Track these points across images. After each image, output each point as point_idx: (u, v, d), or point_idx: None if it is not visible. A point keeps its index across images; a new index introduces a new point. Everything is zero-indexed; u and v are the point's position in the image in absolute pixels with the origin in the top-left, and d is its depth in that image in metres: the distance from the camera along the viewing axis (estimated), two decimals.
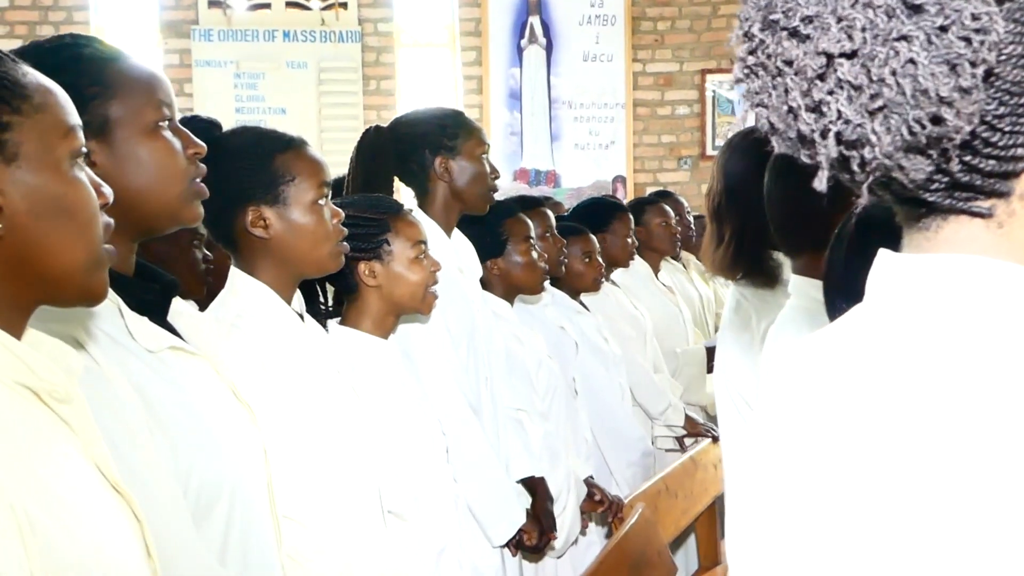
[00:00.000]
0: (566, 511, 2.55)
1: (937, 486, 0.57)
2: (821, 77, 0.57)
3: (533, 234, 2.69)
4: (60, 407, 0.88)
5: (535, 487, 2.44)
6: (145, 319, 1.21)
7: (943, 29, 0.56)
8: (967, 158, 0.60)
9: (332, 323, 1.95)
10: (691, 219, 4.49)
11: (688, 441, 3.53)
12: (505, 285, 2.65)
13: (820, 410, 0.64)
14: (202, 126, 1.54)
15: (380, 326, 1.99)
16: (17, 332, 0.88)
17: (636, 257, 3.68)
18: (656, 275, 3.97)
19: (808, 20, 0.57)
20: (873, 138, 0.58)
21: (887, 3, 0.56)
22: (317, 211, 1.61)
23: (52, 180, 0.88)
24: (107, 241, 0.94)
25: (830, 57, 0.57)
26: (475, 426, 2.25)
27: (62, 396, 0.88)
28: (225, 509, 1.22)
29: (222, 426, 1.25)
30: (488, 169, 2.39)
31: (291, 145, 1.63)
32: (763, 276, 1.96)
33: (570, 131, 6.82)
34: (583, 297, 3.25)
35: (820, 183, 0.60)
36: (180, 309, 1.32)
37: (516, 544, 2.34)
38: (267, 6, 6.64)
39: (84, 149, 0.93)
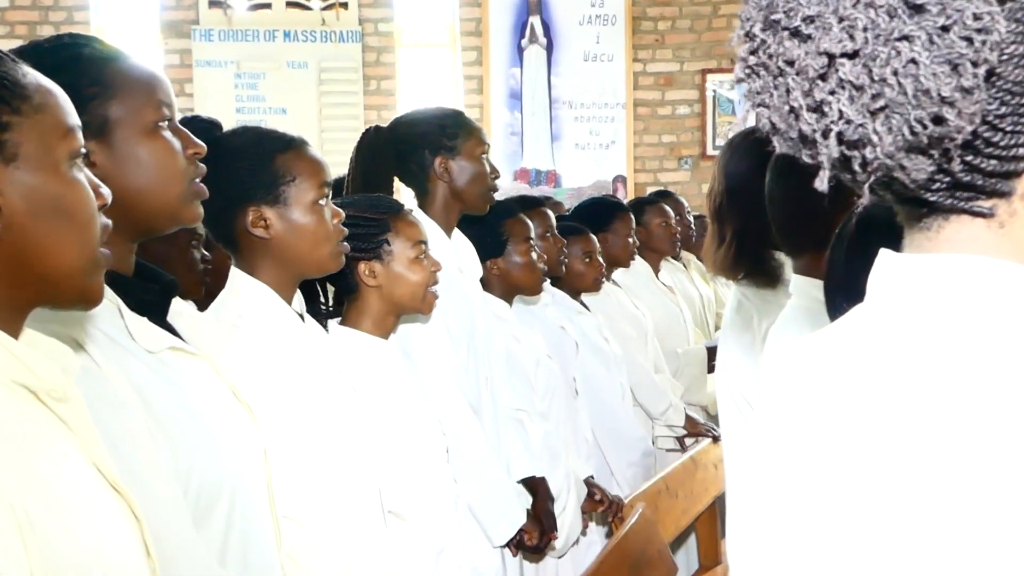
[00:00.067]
0: (566, 511, 2.55)
1: (938, 486, 0.57)
2: (823, 77, 0.57)
3: (533, 234, 2.69)
4: (58, 406, 0.88)
5: (536, 487, 2.44)
6: (145, 319, 1.21)
7: (945, 29, 0.56)
8: (968, 158, 0.60)
9: (332, 323, 1.95)
10: (691, 219, 4.50)
11: (689, 441, 3.53)
12: (504, 285, 2.65)
13: (821, 410, 0.63)
14: (202, 126, 1.54)
15: (380, 326, 1.99)
16: (14, 332, 0.88)
17: (636, 257, 3.68)
18: (656, 275, 3.97)
19: (809, 20, 0.57)
20: (875, 138, 0.58)
21: (889, 3, 0.56)
22: (318, 211, 1.61)
23: (51, 180, 0.88)
24: (105, 241, 0.94)
25: (832, 57, 0.57)
26: (475, 426, 2.25)
27: (60, 395, 0.88)
28: (225, 509, 1.22)
29: (222, 426, 1.25)
30: (488, 169, 2.39)
31: (292, 145, 1.63)
32: (765, 276, 1.96)
33: (570, 131, 6.82)
34: (584, 297, 3.25)
35: (821, 183, 0.60)
36: (180, 309, 1.32)
37: (517, 544, 2.34)
38: (267, 6, 6.64)
39: (83, 150, 0.93)
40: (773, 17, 0.59)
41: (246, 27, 6.61)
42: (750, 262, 1.98)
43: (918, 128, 0.57)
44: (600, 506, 2.78)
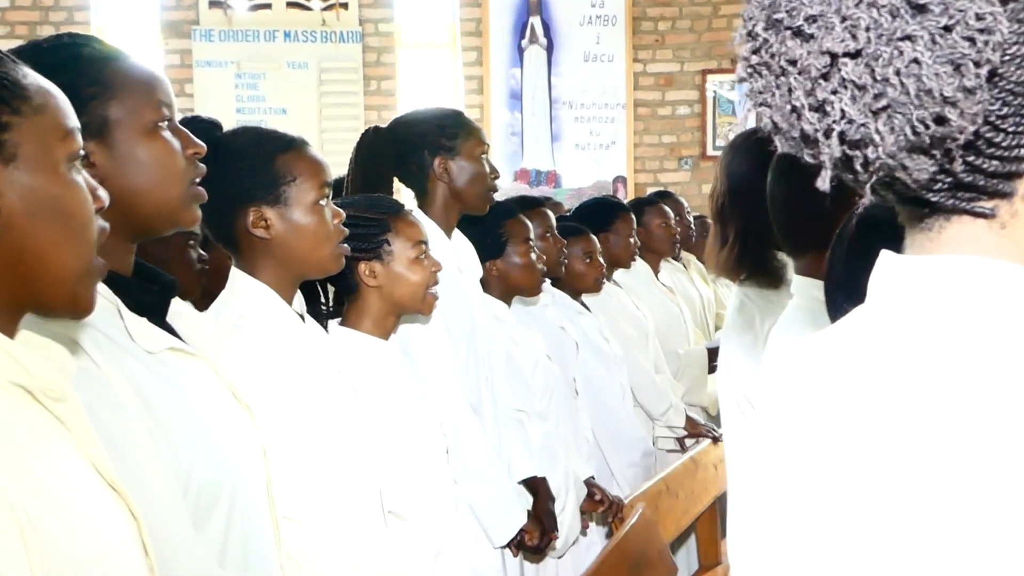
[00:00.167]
0: (565, 511, 2.55)
1: (939, 487, 0.57)
2: (825, 76, 0.57)
3: (533, 235, 2.69)
4: (55, 406, 0.88)
5: (536, 487, 2.44)
6: (144, 320, 1.21)
7: (947, 29, 0.55)
8: (970, 158, 0.60)
9: (332, 324, 1.95)
10: (691, 219, 4.50)
11: (689, 442, 3.53)
12: (503, 286, 2.65)
13: (823, 411, 0.63)
14: (203, 126, 1.54)
15: (380, 326, 1.98)
16: (10, 332, 0.88)
17: (637, 258, 3.68)
18: (656, 276, 3.97)
19: (812, 19, 0.57)
20: (876, 138, 0.58)
21: (891, 3, 0.56)
22: (318, 211, 1.61)
23: (49, 181, 0.88)
24: (102, 245, 0.94)
25: (834, 56, 0.57)
26: (476, 427, 2.25)
27: (57, 395, 0.88)
28: (225, 510, 1.22)
29: (221, 427, 1.25)
30: (488, 169, 2.39)
31: (292, 145, 1.63)
32: (767, 276, 1.96)
33: (571, 131, 6.82)
34: (585, 297, 3.25)
35: (823, 183, 0.60)
36: (179, 310, 1.32)
37: (517, 544, 2.34)
38: (268, 6, 6.64)
39: (82, 152, 0.93)
40: (775, 16, 0.59)
41: (246, 27, 6.61)
42: (752, 262, 1.98)
43: (920, 128, 0.57)
44: (600, 506, 2.78)
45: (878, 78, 0.56)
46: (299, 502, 1.52)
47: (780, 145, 0.62)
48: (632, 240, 3.56)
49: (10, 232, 0.86)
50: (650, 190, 5.85)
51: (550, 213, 3.02)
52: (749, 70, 0.61)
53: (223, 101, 6.42)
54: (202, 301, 1.64)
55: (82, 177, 0.92)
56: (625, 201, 4.62)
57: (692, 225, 4.48)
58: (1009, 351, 0.60)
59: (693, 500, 3.23)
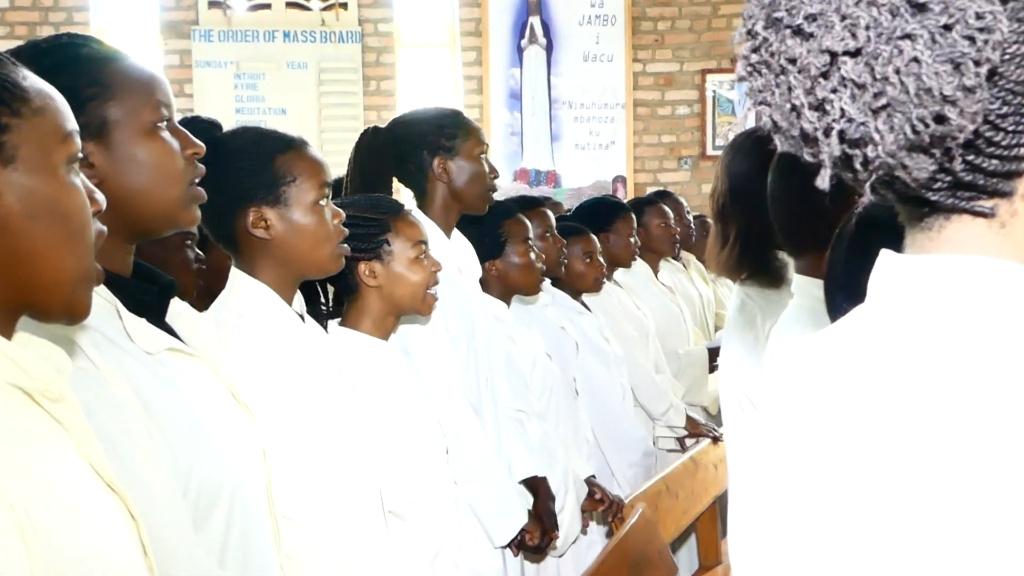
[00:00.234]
0: (565, 511, 2.55)
1: (940, 487, 0.57)
2: (824, 75, 0.57)
3: (532, 235, 2.69)
4: (53, 407, 0.88)
5: (536, 487, 2.44)
6: (143, 320, 1.21)
7: (947, 28, 0.55)
8: (970, 157, 0.60)
9: (332, 324, 1.95)
10: (691, 219, 4.50)
11: (689, 442, 3.53)
12: (502, 286, 2.65)
13: (823, 410, 0.63)
14: (203, 127, 1.54)
15: (380, 327, 1.98)
16: (7, 334, 0.88)
17: (636, 257, 3.69)
18: (655, 275, 3.97)
19: (812, 18, 0.57)
20: (876, 137, 0.58)
21: (891, 1, 0.56)
22: (318, 212, 1.61)
23: (48, 183, 0.88)
24: (100, 247, 0.94)
25: (834, 55, 0.57)
26: (477, 427, 2.25)
27: (55, 395, 0.88)
28: (224, 510, 1.22)
29: (221, 427, 1.25)
30: (487, 169, 2.39)
31: (292, 145, 1.63)
32: (768, 276, 1.97)
33: (570, 131, 6.82)
34: (586, 297, 3.25)
35: (823, 182, 0.60)
36: (179, 310, 1.32)
37: (518, 544, 2.34)
38: (267, 6, 6.64)
39: (80, 154, 0.93)
40: (775, 15, 0.59)
41: (246, 27, 6.61)
42: (754, 262, 1.98)
43: (920, 127, 0.57)
44: (600, 505, 2.78)
45: (878, 77, 0.56)
46: (299, 502, 1.52)
47: (780, 144, 0.62)
48: (632, 240, 3.56)
49: (8, 233, 0.86)
50: (650, 190, 5.85)
51: (550, 213, 3.02)
52: (749, 69, 0.61)
53: (222, 101, 6.42)
54: (202, 301, 1.64)
55: (80, 180, 0.92)
56: (625, 201, 4.62)
57: (692, 225, 4.48)
58: (1009, 351, 0.60)
59: (693, 500, 3.23)
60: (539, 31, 6.79)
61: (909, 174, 0.60)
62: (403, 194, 2.50)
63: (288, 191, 1.59)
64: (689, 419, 3.49)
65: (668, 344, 3.71)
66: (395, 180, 2.44)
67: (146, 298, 1.25)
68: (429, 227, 2.16)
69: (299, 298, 1.70)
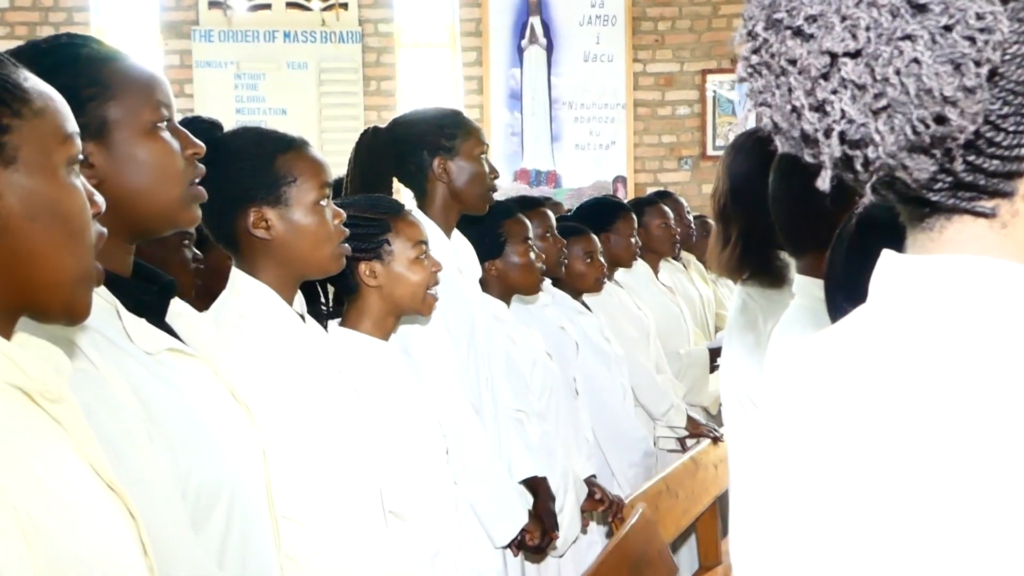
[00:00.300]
0: (564, 511, 2.55)
1: (941, 486, 0.57)
2: (825, 76, 0.57)
3: (531, 235, 2.69)
4: (52, 407, 0.88)
5: (536, 487, 2.44)
6: (143, 320, 1.21)
7: (947, 28, 0.55)
8: (971, 158, 0.60)
9: (332, 324, 1.95)
10: (691, 219, 4.50)
11: (690, 442, 3.53)
12: (502, 286, 2.65)
13: (825, 410, 0.63)
14: (203, 127, 1.54)
15: (380, 327, 1.98)
16: (6, 334, 0.88)
17: (637, 257, 3.69)
18: (655, 275, 3.97)
19: (812, 19, 0.57)
20: (877, 138, 0.58)
21: (891, 2, 0.56)
22: (319, 212, 1.61)
23: (49, 185, 0.88)
24: (100, 248, 0.94)
25: (834, 56, 0.57)
26: (477, 427, 2.25)
27: (54, 396, 0.88)
28: (224, 511, 1.22)
29: (221, 428, 1.25)
30: (487, 169, 2.39)
31: (293, 146, 1.63)
32: (770, 276, 1.96)
33: (570, 131, 6.82)
34: (586, 297, 3.25)
35: (823, 183, 0.60)
36: (179, 310, 1.32)
37: (518, 544, 2.34)
38: (267, 7, 6.64)
39: (80, 156, 0.93)
40: (775, 16, 0.59)
41: (246, 28, 6.61)
42: (755, 262, 1.98)
43: (920, 128, 0.57)
44: (600, 505, 2.78)
45: (878, 78, 0.56)
46: (299, 502, 1.52)
47: (780, 145, 0.62)
48: (633, 240, 3.56)
49: (8, 234, 0.86)
50: (650, 190, 5.86)
51: (550, 213, 3.02)
52: (749, 70, 0.61)
53: (223, 102, 6.42)
54: (202, 301, 1.64)
55: (80, 182, 0.92)
56: (625, 201, 4.62)
57: (692, 225, 4.48)
58: (1011, 350, 0.60)
59: (693, 500, 3.23)
60: (539, 31, 6.79)
61: (910, 175, 0.60)
62: (403, 194, 2.50)
63: (289, 191, 1.59)
64: (690, 419, 3.49)
65: (668, 344, 3.71)
66: (395, 180, 2.44)
67: (146, 298, 1.25)
68: (429, 227, 2.16)
69: (299, 298, 1.70)
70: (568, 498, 2.59)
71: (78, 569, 0.81)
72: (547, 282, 2.97)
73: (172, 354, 1.23)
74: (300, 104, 6.55)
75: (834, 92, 0.57)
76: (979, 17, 0.55)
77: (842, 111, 0.57)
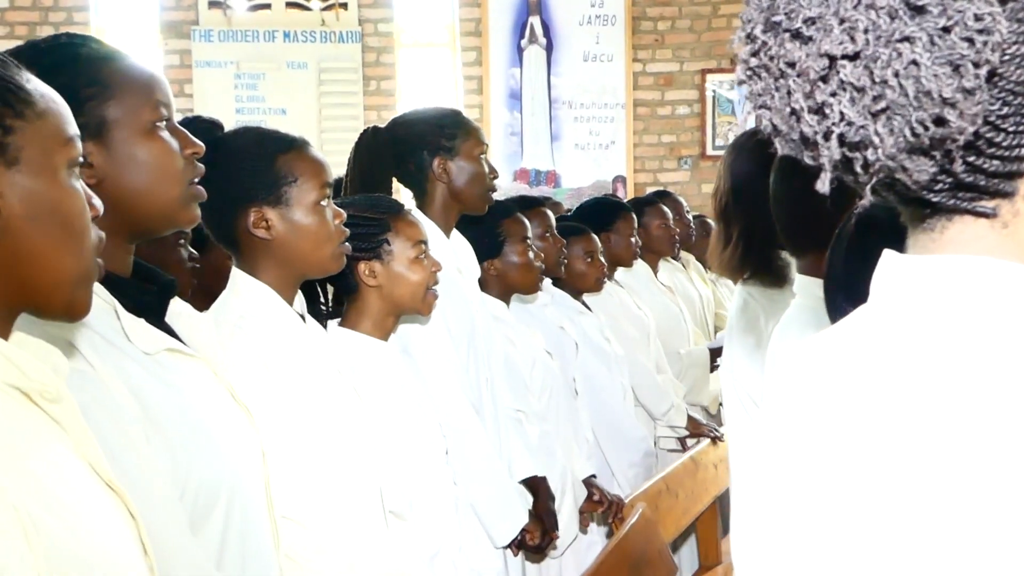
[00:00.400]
0: (562, 512, 2.55)
1: (942, 486, 0.57)
2: (824, 79, 0.57)
3: (531, 234, 2.69)
4: (51, 407, 0.89)
5: (536, 487, 2.44)
6: (142, 321, 1.21)
7: (946, 30, 0.55)
8: (971, 159, 0.60)
9: (331, 324, 1.95)
10: (690, 219, 4.50)
11: (690, 442, 3.53)
12: (501, 286, 2.65)
13: (826, 410, 0.63)
14: (204, 127, 1.54)
15: (380, 327, 1.98)
16: (4, 334, 0.89)
17: (637, 257, 3.69)
18: (655, 275, 3.97)
19: (810, 22, 0.57)
20: (876, 140, 0.58)
21: (889, 4, 0.56)
22: (319, 212, 1.61)
23: (50, 186, 0.88)
24: (100, 251, 0.95)
25: (832, 59, 0.57)
26: (478, 427, 2.25)
27: (52, 396, 0.88)
28: (223, 511, 1.22)
29: (220, 428, 1.25)
30: (487, 169, 2.39)
31: (293, 146, 1.63)
32: (771, 276, 1.96)
33: (570, 131, 6.82)
34: (587, 297, 3.25)
35: (823, 185, 0.60)
36: (179, 310, 1.32)
37: (519, 544, 2.34)
38: (267, 7, 6.64)
39: (81, 158, 0.93)
40: (774, 19, 0.59)
41: (246, 27, 6.61)
42: (756, 262, 1.98)
43: (920, 129, 0.57)
44: (599, 506, 2.78)
45: (877, 80, 0.56)
46: (299, 502, 1.52)
47: (780, 147, 0.62)
48: (634, 240, 3.56)
49: (9, 234, 0.86)
50: (649, 190, 5.85)
51: (549, 213, 3.02)
52: (748, 72, 0.61)
53: (223, 101, 6.42)
54: (202, 301, 1.64)
55: (80, 184, 0.93)
56: (625, 201, 4.62)
57: (692, 225, 4.47)
58: (1012, 351, 0.60)
59: (693, 500, 3.23)
60: (539, 31, 6.79)
61: (910, 176, 0.60)
62: (403, 194, 2.50)
63: (289, 191, 1.59)
64: (690, 419, 3.49)
65: (668, 344, 3.71)
66: (395, 180, 2.44)
67: (146, 298, 1.25)
68: (429, 227, 2.16)
69: (299, 298, 1.70)
70: (566, 499, 2.59)
71: (79, 569, 0.81)
72: (547, 282, 2.97)
73: (171, 354, 1.23)
74: (300, 104, 6.55)
75: (833, 94, 0.57)
76: (977, 18, 0.55)
77: (841, 113, 0.57)
